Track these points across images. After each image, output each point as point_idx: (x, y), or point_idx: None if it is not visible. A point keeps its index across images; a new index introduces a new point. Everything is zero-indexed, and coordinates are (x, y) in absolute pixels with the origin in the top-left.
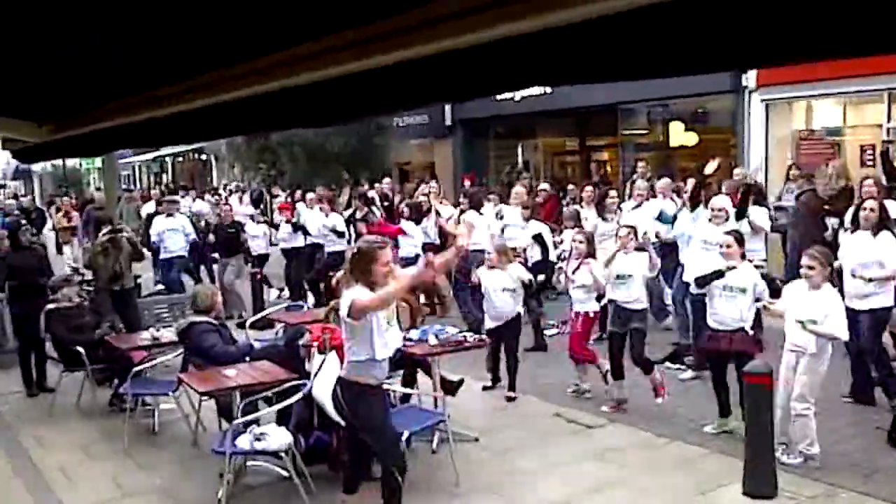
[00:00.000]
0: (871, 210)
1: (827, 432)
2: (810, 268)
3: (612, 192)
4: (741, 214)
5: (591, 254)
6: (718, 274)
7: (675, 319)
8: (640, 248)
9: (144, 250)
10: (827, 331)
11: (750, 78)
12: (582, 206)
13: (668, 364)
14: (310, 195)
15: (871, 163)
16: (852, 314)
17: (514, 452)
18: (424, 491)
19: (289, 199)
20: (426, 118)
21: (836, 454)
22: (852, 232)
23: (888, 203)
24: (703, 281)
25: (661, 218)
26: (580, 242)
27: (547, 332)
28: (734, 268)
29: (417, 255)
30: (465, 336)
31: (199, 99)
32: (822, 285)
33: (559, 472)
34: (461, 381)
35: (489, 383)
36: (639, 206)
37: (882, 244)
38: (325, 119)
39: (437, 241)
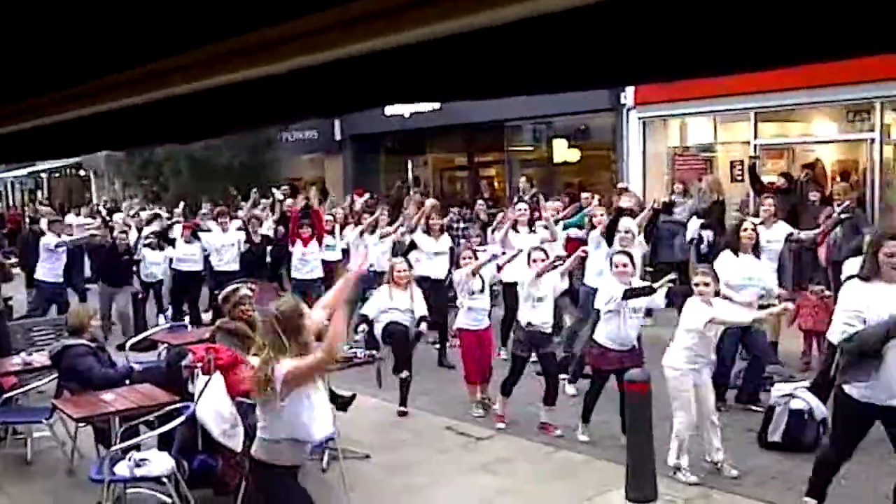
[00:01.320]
0: (753, 230)
1: (701, 437)
2: (706, 284)
3: (521, 206)
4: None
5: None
6: (650, 290)
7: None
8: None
9: (17, 270)
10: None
11: (628, 96)
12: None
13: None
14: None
15: (740, 177)
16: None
17: (406, 468)
18: None
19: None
20: (315, 133)
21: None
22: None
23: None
24: (631, 294)
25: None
26: (468, 258)
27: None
28: (672, 281)
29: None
30: (355, 352)
31: (67, 111)
32: (711, 300)
33: (450, 485)
34: (353, 397)
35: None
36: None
37: (765, 264)
38: (203, 131)
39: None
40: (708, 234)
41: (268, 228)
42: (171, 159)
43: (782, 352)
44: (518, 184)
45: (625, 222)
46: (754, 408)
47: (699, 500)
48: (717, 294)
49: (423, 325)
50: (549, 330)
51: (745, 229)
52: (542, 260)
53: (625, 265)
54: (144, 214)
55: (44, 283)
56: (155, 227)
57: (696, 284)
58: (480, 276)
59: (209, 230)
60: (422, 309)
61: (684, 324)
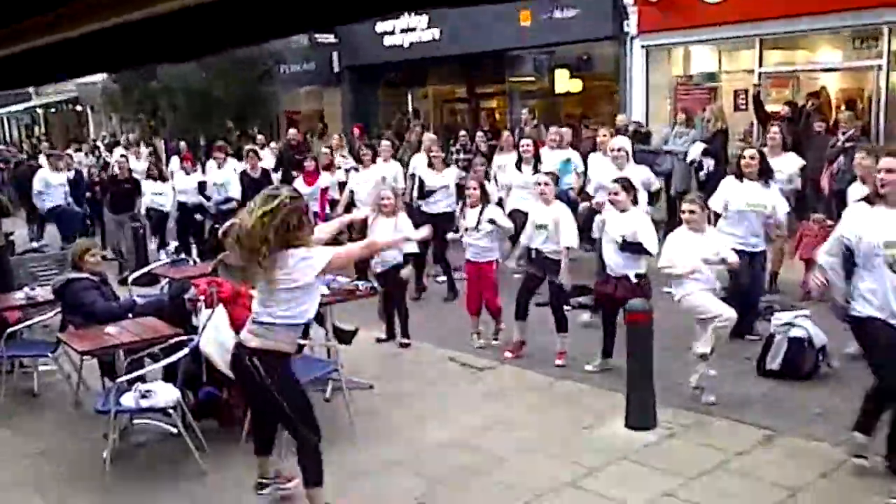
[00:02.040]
0: (752, 158)
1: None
2: (692, 212)
3: (527, 141)
4: None
5: (487, 200)
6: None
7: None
8: (558, 198)
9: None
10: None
11: (631, 24)
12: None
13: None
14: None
15: (743, 106)
16: (741, 256)
17: (409, 397)
18: None
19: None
20: (313, 65)
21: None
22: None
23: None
24: (627, 247)
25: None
26: (474, 189)
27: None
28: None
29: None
30: (356, 285)
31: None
32: (705, 228)
33: (452, 414)
34: (356, 331)
35: (383, 335)
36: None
37: (773, 190)
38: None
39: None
40: (709, 162)
41: (267, 163)
42: (168, 93)
43: (783, 281)
44: (520, 115)
45: (617, 140)
46: (750, 337)
47: (698, 427)
48: (714, 220)
49: (411, 246)
50: (557, 258)
51: (747, 157)
52: (547, 185)
53: (616, 194)
54: (143, 150)
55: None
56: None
57: (683, 212)
58: (476, 215)
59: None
60: (409, 230)
61: (664, 253)
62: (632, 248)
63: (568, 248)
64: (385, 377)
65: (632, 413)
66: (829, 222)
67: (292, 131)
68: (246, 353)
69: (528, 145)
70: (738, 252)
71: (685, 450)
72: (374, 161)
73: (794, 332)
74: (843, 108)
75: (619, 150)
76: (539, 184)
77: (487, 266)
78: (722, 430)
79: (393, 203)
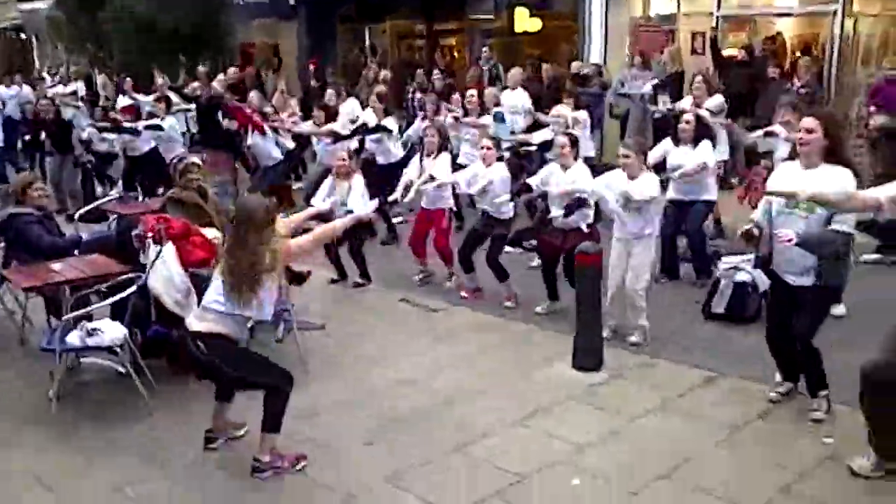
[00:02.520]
0: (687, 123)
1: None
2: (626, 156)
3: (472, 92)
4: None
5: (444, 147)
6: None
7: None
8: (500, 158)
9: None
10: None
11: None
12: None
13: (508, 248)
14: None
15: (700, 50)
16: (679, 204)
17: (360, 338)
18: None
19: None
20: None
21: (656, 328)
22: (676, 145)
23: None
24: (568, 211)
25: (495, 118)
26: (432, 136)
27: (395, 220)
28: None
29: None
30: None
31: None
32: (640, 174)
33: (403, 354)
34: (308, 273)
35: (335, 276)
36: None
37: (698, 152)
38: None
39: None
40: (664, 98)
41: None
42: (117, 20)
43: (730, 227)
44: (481, 53)
45: (557, 108)
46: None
47: (643, 368)
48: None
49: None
50: (498, 215)
51: (683, 121)
52: (490, 148)
53: (563, 146)
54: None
55: None
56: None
57: (618, 156)
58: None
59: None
60: (356, 203)
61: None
62: (574, 207)
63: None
64: (337, 318)
65: (579, 354)
66: None
67: (232, 70)
68: (190, 336)
69: (472, 96)
70: (674, 202)
71: (631, 390)
72: (328, 121)
73: (739, 277)
74: (798, 53)
75: (557, 116)
76: (482, 147)
77: (439, 213)
78: (666, 371)
79: (347, 164)
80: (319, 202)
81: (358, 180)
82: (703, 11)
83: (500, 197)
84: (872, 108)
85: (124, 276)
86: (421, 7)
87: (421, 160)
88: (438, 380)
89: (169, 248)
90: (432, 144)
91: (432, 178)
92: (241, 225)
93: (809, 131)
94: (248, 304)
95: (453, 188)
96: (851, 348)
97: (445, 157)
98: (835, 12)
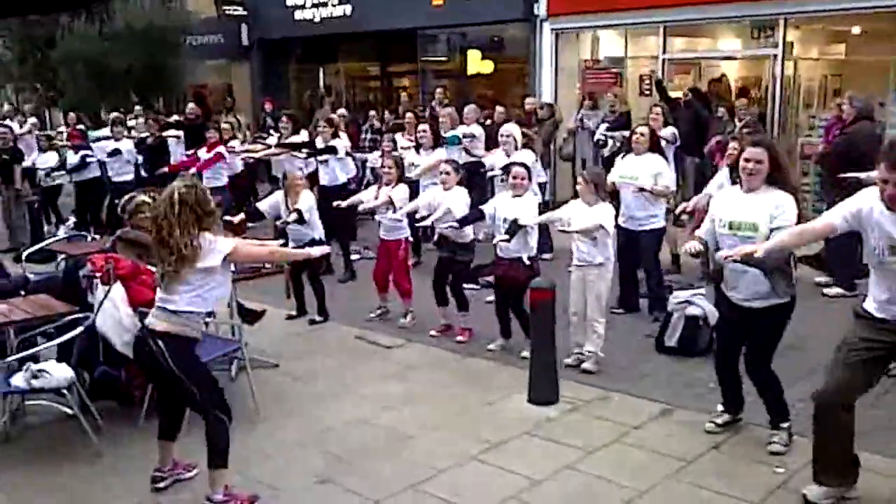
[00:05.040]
0: (642, 135)
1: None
2: (581, 184)
3: (423, 127)
4: None
5: (401, 178)
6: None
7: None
8: (459, 183)
9: None
10: (605, 230)
11: (541, 7)
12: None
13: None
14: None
15: (648, 91)
16: (630, 234)
17: (314, 375)
18: None
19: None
20: (221, 38)
21: (610, 361)
22: (623, 157)
23: (665, 131)
24: (509, 230)
25: (450, 142)
26: (389, 168)
27: (352, 257)
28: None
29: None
30: (262, 263)
31: None
32: (595, 203)
33: (358, 393)
34: (263, 312)
35: (294, 312)
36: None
37: (649, 163)
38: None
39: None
40: (615, 136)
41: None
42: (67, 62)
43: (683, 261)
44: (434, 94)
45: (506, 127)
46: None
47: (598, 402)
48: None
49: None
50: (459, 240)
51: (637, 133)
52: (448, 173)
53: (521, 177)
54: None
55: None
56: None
57: (576, 184)
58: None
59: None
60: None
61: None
62: (514, 231)
63: (459, 222)
64: (292, 356)
65: (535, 388)
66: None
67: (191, 105)
68: (150, 336)
69: (424, 131)
70: (620, 228)
71: (586, 424)
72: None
73: (691, 311)
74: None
75: (507, 136)
76: (442, 172)
77: (395, 244)
78: (621, 404)
79: (302, 183)
80: (265, 206)
81: (307, 193)
82: (649, 54)
83: (450, 223)
84: (823, 146)
85: (71, 317)
86: (374, 49)
87: (378, 191)
88: (392, 417)
89: (117, 288)
90: (390, 175)
91: (392, 204)
92: (169, 209)
93: (758, 161)
94: (174, 294)
95: (411, 218)
96: (811, 379)
97: (403, 187)
98: (775, 56)
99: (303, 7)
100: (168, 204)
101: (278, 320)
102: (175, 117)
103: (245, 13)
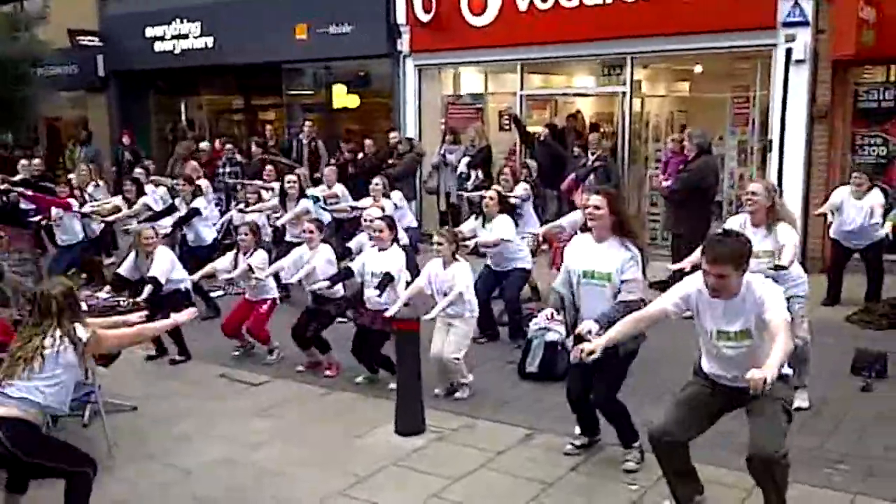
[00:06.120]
0: (491, 199)
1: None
2: (439, 244)
3: (291, 178)
4: None
5: (258, 244)
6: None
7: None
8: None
9: None
10: (466, 299)
11: (404, 43)
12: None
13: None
14: None
15: (507, 126)
16: (492, 271)
17: (177, 416)
18: None
19: None
20: (75, 68)
21: (476, 389)
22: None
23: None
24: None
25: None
26: (245, 234)
27: (212, 294)
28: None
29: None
30: (118, 301)
31: None
32: (452, 260)
33: (222, 432)
34: (117, 353)
35: (153, 352)
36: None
37: (500, 225)
38: None
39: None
40: (476, 172)
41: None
42: None
43: (543, 290)
44: (301, 128)
45: (376, 179)
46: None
47: (464, 429)
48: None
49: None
50: (334, 295)
51: (487, 197)
52: (312, 232)
53: (381, 230)
54: None
55: None
56: None
57: (433, 243)
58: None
59: None
60: (158, 272)
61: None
62: (385, 284)
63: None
64: (153, 397)
65: (401, 419)
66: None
67: (36, 161)
68: None
69: (293, 182)
70: (491, 269)
71: (452, 452)
72: (139, 195)
73: (550, 337)
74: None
75: (376, 185)
76: (305, 231)
77: (260, 303)
78: (486, 430)
79: (154, 242)
80: (124, 271)
81: (162, 252)
82: (508, 91)
83: (321, 282)
84: (662, 177)
85: None
86: (238, 81)
87: (236, 257)
88: (258, 455)
89: None
90: (245, 243)
91: (251, 271)
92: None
93: (597, 208)
94: (15, 379)
95: (277, 277)
96: (660, 400)
97: (261, 253)
98: (624, 93)
99: (162, 39)
100: (44, 309)
101: (137, 361)
102: (20, 176)
103: (101, 43)
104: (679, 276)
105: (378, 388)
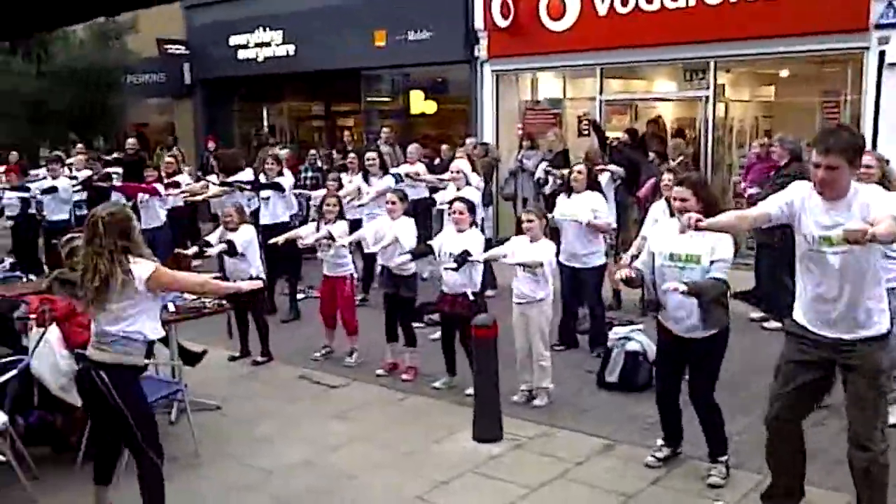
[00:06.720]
0: (580, 173)
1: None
2: (529, 221)
3: (371, 154)
4: None
5: (341, 216)
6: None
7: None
8: (406, 213)
9: None
10: (546, 268)
11: (481, 49)
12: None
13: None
14: None
15: (586, 132)
16: (572, 271)
17: (258, 418)
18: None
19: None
20: (163, 76)
21: (554, 397)
22: (568, 196)
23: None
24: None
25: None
26: (330, 204)
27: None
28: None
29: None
30: (203, 302)
31: None
32: (540, 237)
33: (301, 434)
34: (203, 353)
35: (236, 353)
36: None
37: (587, 200)
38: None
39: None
40: (555, 174)
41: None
42: (1, 99)
43: (623, 298)
44: (379, 134)
45: (456, 163)
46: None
47: (542, 438)
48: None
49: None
50: (404, 273)
51: (576, 171)
52: (395, 202)
53: (461, 212)
54: None
55: None
56: None
57: (521, 222)
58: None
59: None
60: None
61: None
62: (463, 261)
63: (409, 253)
64: (235, 397)
65: (479, 426)
66: None
67: (131, 141)
68: (92, 366)
69: (373, 159)
70: (561, 265)
71: (529, 460)
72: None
73: (630, 346)
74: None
75: (457, 171)
76: (388, 202)
77: (340, 280)
78: (565, 440)
79: (238, 218)
80: (213, 239)
81: (245, 228)
82: (587, 96)
83: (401, 257)
84: (745, 184)
85: (4, 360)
86: (318, 88)
87: (318, 227)
88: (336, 458)
89: (53, 331)
90: (331, 212)
91: (332, 239)
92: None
93: (684, 200)
94: (107, 323)
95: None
96: (750, 413)
97: (343, 223)
98: (707, 98)
99: (245, 47)
100: (91, 230)
101: (221, 361)
102: (115, 154)
103: (187, 52)
104: (757, 291)
105: (455, 393)
